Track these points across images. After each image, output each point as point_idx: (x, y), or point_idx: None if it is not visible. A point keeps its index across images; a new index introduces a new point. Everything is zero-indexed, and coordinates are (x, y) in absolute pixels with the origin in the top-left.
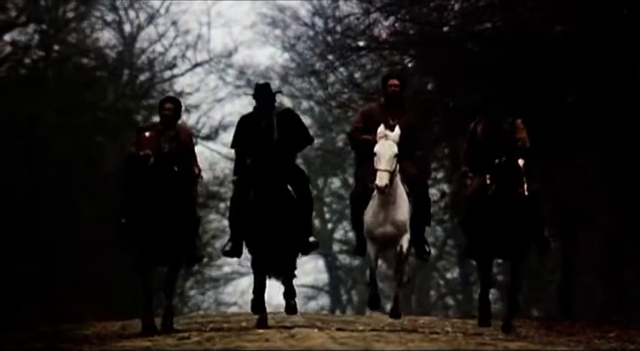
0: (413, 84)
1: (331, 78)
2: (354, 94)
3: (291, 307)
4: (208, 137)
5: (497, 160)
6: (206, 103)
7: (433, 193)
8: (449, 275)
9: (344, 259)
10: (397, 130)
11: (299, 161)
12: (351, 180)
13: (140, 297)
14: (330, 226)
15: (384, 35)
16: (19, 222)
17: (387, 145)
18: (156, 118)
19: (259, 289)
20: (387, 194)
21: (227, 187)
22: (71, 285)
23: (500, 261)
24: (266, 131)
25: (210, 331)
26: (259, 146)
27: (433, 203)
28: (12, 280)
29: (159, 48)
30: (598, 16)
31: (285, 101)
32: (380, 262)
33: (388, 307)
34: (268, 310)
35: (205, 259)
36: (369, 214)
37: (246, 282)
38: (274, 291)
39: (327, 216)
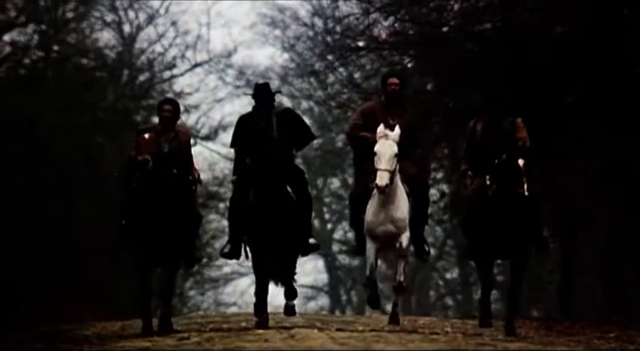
0: (412, 84)
1: (331, 78)
2: (353, 94)
3: (289, 309)
4: (208, 137)
5: (497, 160)
6: (206, 103)
7: (433, 193)
8: (448, 275)
9: (343, 259)
10: (397, 129)
11: (298, 161)
12: (350, 180)
13: (139, 297)
14: (329, 226)
15: (383, 35)
16: (19, 222)
17: (387, 145)
18: (155, 119)
19: (261, 290)
20: (387, 194)
21: (226, 188)
22: (71, 285)
23: (499, 261)
24: (265, 131)
25: (209, 332)
26: (258, 146)
27: (433, 203)
28: (12, 280)
29: (158, 48)
30: (598, 17)
31: (284, 101)
32: (380, 262)
33: (388, 307)
34: (268, 310)
35: (205, 260)
36: (370, 213)
37: (246, 282)
38: (274, 291)
39: (327, 216)
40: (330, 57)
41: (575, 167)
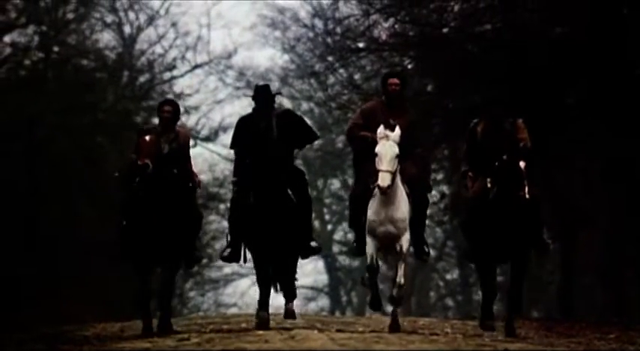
0: (413, 85)
1: (331, 79)
2: (353, 95)
3: (289, 313)
4: (208, 138)
5: (498, 162)
6: (206, 104)
7: (433, 194)
8: (448, 276)
9: (344, 260)
10: (397, 130)
11: (298, 162)
12: (350, 181)
13: (139, 298)
14: (329, 227)
15: (383, 37)
16: (19, 222)
17: (387, 146)
18: (155, 120)
19: (264, 292)
20: (388, 194)
21: (227, 189)
22: (71, 286)
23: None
24: (265, 133)
25: (209, 333)
26: (258, 148)
27: (433, 204)
28: (12, 280)
29: (159, 49)
30: (598, 17)
31: (284, 102)
32: (380, 263)
33: (389, 307)
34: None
35: (205, 260)
36: (370, 212)
37: (246, 283)
38: (274, 293)
39: (327, 217)
40: (330, 58)
41: (576, 168)
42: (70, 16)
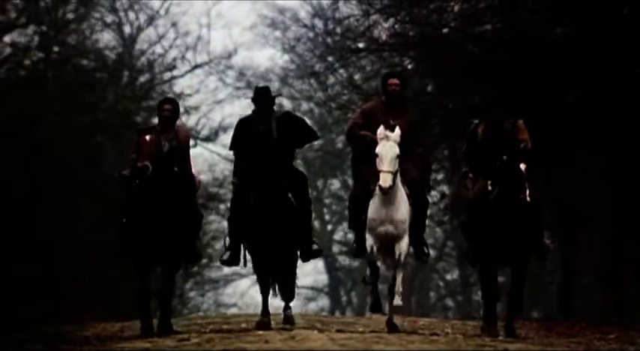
0: (413, 85)
1: (331, 79)
2: (353, 95)
3: (288, 319)
4: (208, 139)
5: (498, 162)
6: (206, 104)
7: (433, 194)
8: (448, 277)
9: (344, 260)
10: (397, 130)
11: (298, 163)
12: (350, 181)
13: (139, 297)
14: (329, 227)
15: (383, 37)
16: (19, 222)
17: (388, 146)
18: (155, 121)
19: (264, 294)
20: (389, 195)
21: (227, 189)
22: (71, 286)
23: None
24: (265, 135)
25: (209, 333)
26: (258, 150)
27: (433, 204)
28: (12, 280)
29: (159, 49)
30: (598, 17)
31: (285, 103)
32: (379, 263)
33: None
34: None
35: (205, 261)
36: (371, 211)
37: (246, 283)
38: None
39: (327, 217)
40: (330, 58)
41: (575, 168)
42: (70, 16)
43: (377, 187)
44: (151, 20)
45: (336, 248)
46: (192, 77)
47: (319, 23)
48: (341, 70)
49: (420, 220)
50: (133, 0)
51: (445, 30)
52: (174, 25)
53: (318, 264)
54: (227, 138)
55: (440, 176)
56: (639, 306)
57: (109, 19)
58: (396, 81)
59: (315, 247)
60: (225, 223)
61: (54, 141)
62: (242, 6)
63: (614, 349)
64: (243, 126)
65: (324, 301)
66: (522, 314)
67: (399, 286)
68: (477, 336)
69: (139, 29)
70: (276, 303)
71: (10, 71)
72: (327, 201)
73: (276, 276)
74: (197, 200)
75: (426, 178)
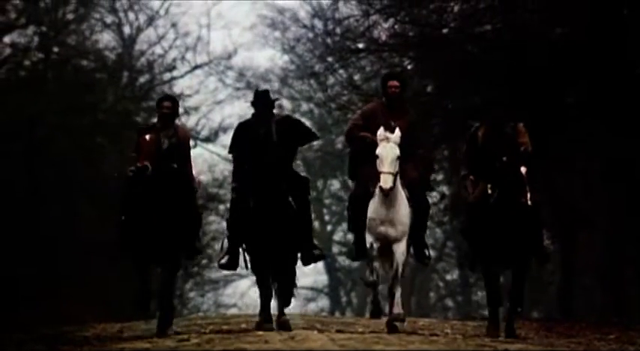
0: (412, 86)
1: (331, 80)
2: (353, 96)
3: (283, 323)
4: (208, 139)
5: (498, 163)
6: (205, 105)
7: (433, 195)
8: (448, 277)
9: (343, 260)
10: (397, 131)
11: (298, 163)
12: (350, 182)
13: (139, 297)
14: (329, 227)
15: (383, 37)
16: (19, 223)
17: (388, 148)
18: (155, 120)
19: (265, 300)
20: (389, 196)
21: (226, 189)
22: (71, 286)
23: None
24: (265, 138)
25: (209, 333)
26: (258, 153)
27: (433, 205)
28: (12, 280)
29: (158, 50)
30: (598, 18)
31: (284, 103)
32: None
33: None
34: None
35: (205, 261)
36: (371, 212)
37: (246, 284)
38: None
39: (327, 218)
40: (330, 59)
41: (575, 168)
42: (70, 16)
43: (377, 188)
44: (150, 21)
45: (335, 249)
46: (192, 78)
47: (319, 24)
48: (341, 71)
49: (421, 222)
50: (133, 0)
51: (445, 30)
52: (173, 25)
53: (318, 264)
54: (227, 138)
55: (440, 177)
56: (639, 306)
57: (109, 19)
58: (395, 83)
59: (317, 252)
60: (224, 224)
61: (54, 141)
62: (242, 6)
63: (614, 350)
64: (243, 130)
65: (323, 302)
66: (522, 314)
67: (398, 299)
68: (476, 336)
69: (139, 30)
70: (274, 304)
71: (10, 72)
72: (326, 201)
73: (276, 279)
74: (197, 200)
75: (427, 179)
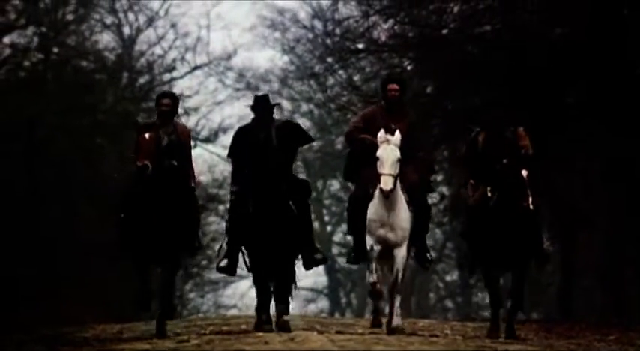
0: (412, 87)
1: (330, 80)
2: (353, 96)
3: (282, 325)
4: (208, 140)
5: (498, 166)
6: (205, 105)
7: (433, 196)
8: (448, 278)
9: (343, 261)
10: (397, 134)
11: (298, 164)
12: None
13: (139, 297)
14: (329, 228)
15: (383, 38)
16: (19, 223)
17: (389, 150)
18: (154, 118)
19: (263, 301)
20: (389, 198)
21: (226, 190)
22: (71, 286)
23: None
24: (265, 143)
25: (209, 334)
26: (258, 158)
27: (433, 206)
28: (11, 281)
29: (158, 50)
30: (597, 18)
31: (284, 104)
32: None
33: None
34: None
35: (204, 262)
36: (371, 213)
37: (246, 285)
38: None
39: (327, 218)
40: (329, 59)
41: (575, 168)
42: (70, 17)
43: (377, 190)
44: (150, 21)
45: (335, 250)
46: (192, 78)
47: (319, 24)
48: (340, 71)
49: (422, 225)
50: (133, 1)
51: (445, 31)
52: (173, 26)
53: None
54: (227, 139)
55: (439, 177)
56: (639, 307)
57: (109, 20)
58: (395, 86)
59: (318, 255)
60: (224, 225)
61: (54, 141)
62: (241, 7)
63: (614, 350)
64: (243, 134)
65: (323, 303)
66: (522, 315)
67: (397, 309)
68: (476, 337)
69: (139, 30)
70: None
71: (10, 72)
72: (326, 202)
73: (275, 281)
74: (196, 198)
75: (427, 181)
